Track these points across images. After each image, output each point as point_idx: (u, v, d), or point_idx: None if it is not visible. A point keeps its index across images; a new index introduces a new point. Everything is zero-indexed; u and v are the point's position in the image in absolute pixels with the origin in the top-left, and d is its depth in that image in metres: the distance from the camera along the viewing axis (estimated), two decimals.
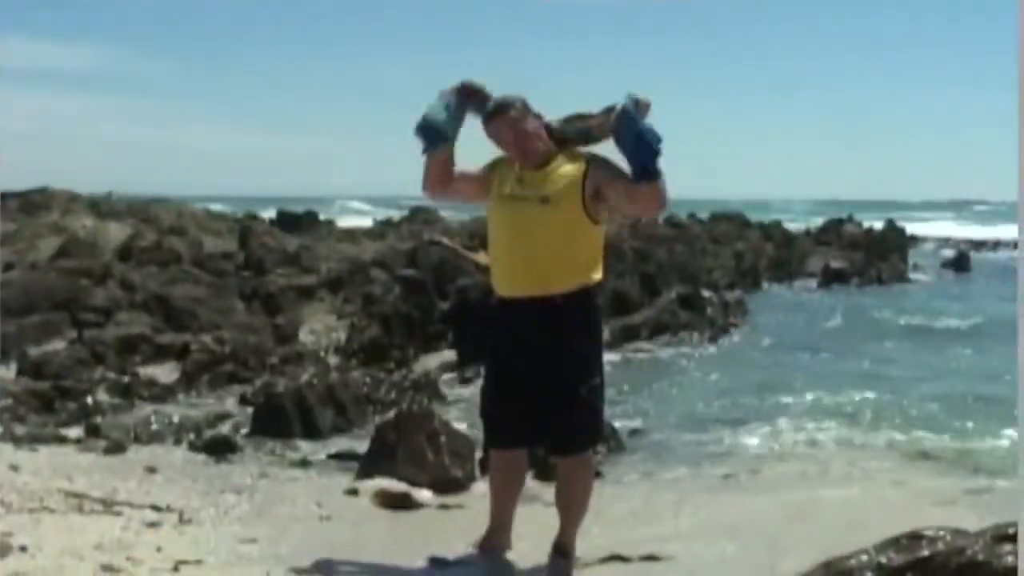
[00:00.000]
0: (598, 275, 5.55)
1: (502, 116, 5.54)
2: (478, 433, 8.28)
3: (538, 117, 5.59)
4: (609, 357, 15.95)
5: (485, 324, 5.80)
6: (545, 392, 5.43)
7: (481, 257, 14.83)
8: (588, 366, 5.52)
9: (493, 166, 5.68)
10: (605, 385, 5.68)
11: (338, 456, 9.15)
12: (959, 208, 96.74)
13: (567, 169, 5.45)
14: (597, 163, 5.46)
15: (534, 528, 6.12)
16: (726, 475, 9.24)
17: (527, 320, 5.40)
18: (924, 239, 50.65)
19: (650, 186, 5.34)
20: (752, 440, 10.63)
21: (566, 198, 5.38)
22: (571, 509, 5.71)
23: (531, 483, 7.60)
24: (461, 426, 9.25)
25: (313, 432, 10.44)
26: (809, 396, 12.82)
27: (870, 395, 12.82)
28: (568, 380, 5.44)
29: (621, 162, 5.46)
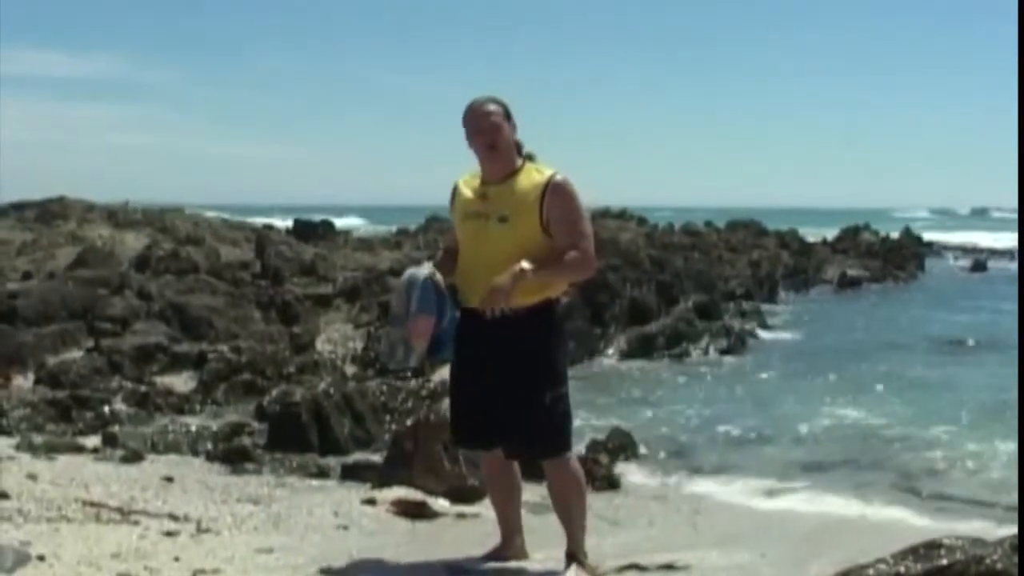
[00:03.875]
0: (561, 288, 5.62)
1: (484, 108, 5.57)
2: None
3: (514, 128, 5.63)
4: (627, 365, 16.07)
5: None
6: (508, 397, 5.49)
7: None
8: (551, 375, 5.56)
9: (453, 196, 5.76)
10: (569, 396, 5.71)
11: (354, 467, 9.15)
12: (977, 215, 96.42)
13: (527, 186, 5.50)
14: (557, 194, 5.45)
15: (550, 537, 6.11)
16: (744, 484, 9.23)
17: (492, 330, 5.45)
18: (942, 246, 50.40)
19: (581, 256, 5.43)
20: (770, 450, 10.61)
21: (524, 217, 5.44)
22: (568, 513, 5.74)
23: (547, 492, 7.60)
24: None
25: (330, 441, 10.44)
26: (828, 406, 12.78)
27: (888, 405, 12.78)
28: (531, 386, 5.49)
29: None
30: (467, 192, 5.67)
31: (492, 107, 5.58)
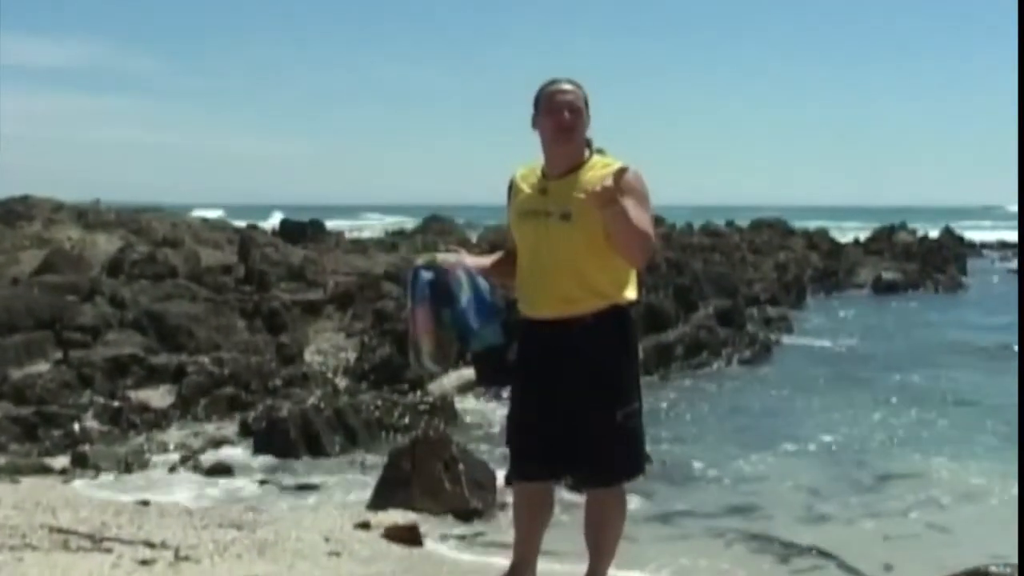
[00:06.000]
0: (631, 293, 5.47)
1: (565, 86, 5.48)
2: (499, 459, 8.26)
3: (588, 118, 5.51)
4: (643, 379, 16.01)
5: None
6: (577, 419, 5.36)
7: None
8: (624, 390, 5.42)
9: (510, 191, 5.64)
10: (642, 413, 5.58)
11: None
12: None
13: (593, 180, 5.30)
14: (625, 186, 5.23)
15: (561, 566, 6.07)
16: (762, 505, 9.22)
17: (556, 341, 5.34)
18: (984, 246, 50.22)
19: (648, 233, 5.28)
20: (791, 469, 10.57)
21: (589, 215, 5.25)
22: (602, 547, 5.63)
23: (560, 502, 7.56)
24: (481, 452, 9.22)
25: (321, 460, 10.43)
26: (857, 423, 12.74)
27: (898, 423, 12.78)
28: (602, 405, 5.35)
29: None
30: (525, 187, 5.52)
31: (574, 87, 5.46)
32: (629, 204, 5.18)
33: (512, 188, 5.60)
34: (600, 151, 5.49)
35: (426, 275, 5.45)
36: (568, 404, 5.35)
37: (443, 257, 5.59)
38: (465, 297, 5.42)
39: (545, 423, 5.41)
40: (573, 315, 5.30)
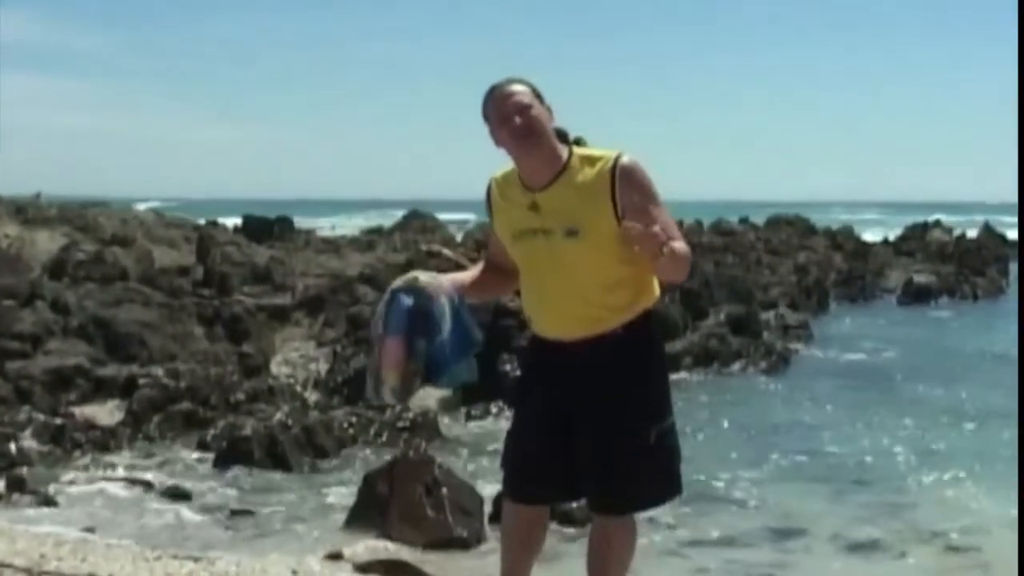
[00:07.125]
0: (656, 290, 5.39)
1: (505, 89, 5.36)
2: (487, 483, 8.24)
3: (549, 113, 5.39)
4: None
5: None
6: (604, 438, 5.28)
7: None
8: (658, 405, 5.30)
9: (489, 201, 5.53)
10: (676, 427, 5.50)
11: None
12: None
13: (587, 181, 5.15)
14: (632, 180, 5.11)
15: None
16: (773, 531, 9.26)
17: (580, 358, 5.24)
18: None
19: (681, 255, 5.05)
20: (809, 493, 10.59)
21: (596, 224, 5.10)
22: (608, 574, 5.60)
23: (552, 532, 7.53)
24: (466, 474, 9.21)
25: (288, 483, 10.41)
26: (883, 444, 12.74)
27: (945, 442, 12.80)
28: (630, 423, 5.26)
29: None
30: (508, 203, 5.35)
31: (515, 87, 5.24)
32: (656, 213, 5.10)
33: (491, 198, 5.49)
34: (578, 141, 5.34)
35: (406, 301, 5.20)
36: (590, 424, 5.27)
37: (426, 280, 5.44)
38: (447, 328, 5.22)
39: (555, 442, 5.33)
40: (602, 332, 5.23)
